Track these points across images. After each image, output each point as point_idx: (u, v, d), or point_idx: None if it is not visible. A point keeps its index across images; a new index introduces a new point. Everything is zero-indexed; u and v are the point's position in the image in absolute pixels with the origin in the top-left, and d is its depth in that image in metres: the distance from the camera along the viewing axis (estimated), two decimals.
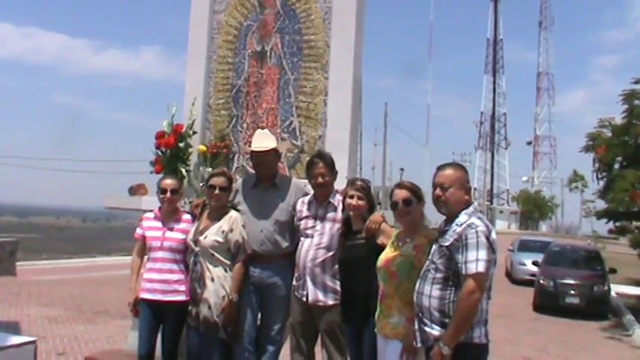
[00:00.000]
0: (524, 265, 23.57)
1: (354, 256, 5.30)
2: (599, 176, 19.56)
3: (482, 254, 4.17)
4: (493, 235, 4.30)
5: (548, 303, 17.67)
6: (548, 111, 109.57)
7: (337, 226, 5.59)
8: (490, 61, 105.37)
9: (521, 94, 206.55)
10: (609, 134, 18.65)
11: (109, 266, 20.45)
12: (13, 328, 9.49)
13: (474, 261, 4.16)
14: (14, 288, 14.93)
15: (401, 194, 4.84)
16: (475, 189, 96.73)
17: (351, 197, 5.35)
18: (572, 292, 17.55)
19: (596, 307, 17.46)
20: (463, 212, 4.38)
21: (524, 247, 26.31)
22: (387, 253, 4.86)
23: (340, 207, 5.60)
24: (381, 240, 5.16)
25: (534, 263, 20.75)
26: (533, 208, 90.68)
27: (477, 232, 4.22)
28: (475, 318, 4.24)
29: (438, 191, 4.45)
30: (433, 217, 5.11)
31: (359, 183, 5.45)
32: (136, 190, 7.44)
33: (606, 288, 18.03)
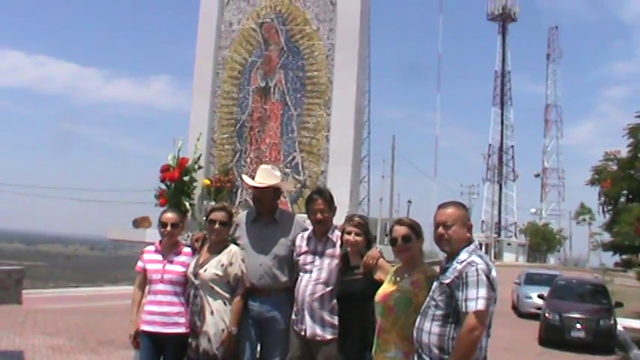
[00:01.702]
0: (530, 298, 23.45)
1: (352, 291, 5.36)
2: (605, 209, 19.58)
3: (483, 292, 4.22)
4: (493, 273, 4.36)
5: (554, 337, 17.56)
6: (557, 143, 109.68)
7: (335, 261, 5.66)
8: (498, 94, 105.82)
9: (529, 126, 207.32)
10: (615, 167, 18.69)
11: (116, 296, 20.43)
12: (17, 357, 9.53)
13: (475, 299, 4.21)
14: (20, 317, 14.96)
15: (400, 231, 4.93)
16: (483, 221, 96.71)
17: (349, 233, 5.43)
18: (578, 326, 17.43)
19: (603, 342, 17.31)
20: (464, 250, 4.44)
21: (531, 280, 26.18)
22: (385, 289, 4.92)
23: (339, 243, 5.67)
24: (378, 275, 5.22)
25: (540, 296, 20.67)
26: (541, 241, 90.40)
27: (477, 269, 4.28)
28: (474, 356, 4.28)
29: (440, 230, 4.52)
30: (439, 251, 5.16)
31: (356, 219, 5.53)
32: (140, 223, 7.55)
33: (612, 322, 17.91)
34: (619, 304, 19.26)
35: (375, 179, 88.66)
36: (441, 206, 4.62)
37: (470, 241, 4.51)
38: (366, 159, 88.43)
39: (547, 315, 18.01)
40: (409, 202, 67.32)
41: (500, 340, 16.66)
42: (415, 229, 4.96)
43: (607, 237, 21.93)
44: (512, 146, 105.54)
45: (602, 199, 19.26)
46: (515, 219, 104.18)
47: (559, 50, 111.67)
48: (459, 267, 4.35)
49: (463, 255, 4.41)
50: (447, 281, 4.37)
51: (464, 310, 4.23)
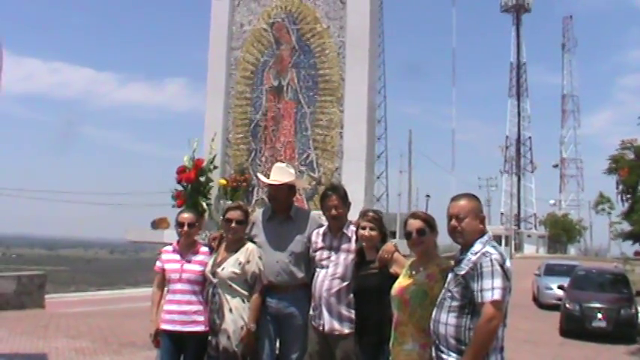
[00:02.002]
0: (551, 289, 23.39)
1: (368, 285, 5.42)
2: (624, 198, 19.50)
3: (498, 282, 4.26)
4: (507, 264, 4.40)
5: (575, 327, 17.52)
6: (574, 133, 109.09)
7: (351, 256, 5.72)
8: (514, 85, 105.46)
9: (546, 117, 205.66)
10: (632, 156, 18.60)
11: (137, 298, 20.56)
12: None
13: (490, 289, 4.25)
14: (43, 320, 15.13)
15: (415, 224, 4.97)
16: (502, 214, 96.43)
17: (364, 228, 5.49)
18: (599, 315, 17.39)
19: (624, 331, 17.26)
20: (478, 241, 4.48)
21: (551, 271, 26.12)
22: (401, 282, 4.97)
23: (354, 238, 5.73)
24: (394, 269, 5.27)
25: (560, 287, 20.63)
26: (561, 232, 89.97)
27: (491, 260, 4.32)
28: (492, 345, 4.33)
29: (453, 222, 4.56)
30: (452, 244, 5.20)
31: (371, 214, 5.59)
32: (158, 224, 7.65)
33: (634, 311, 17.84)
34: None
35: (392, 175, 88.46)
36: (454, 199, 4.67)
37: (483, 233, 4.55)
38: (384, 155, 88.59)
39: (567, 305, 17.98)
40: (428, 196, 67.01)
41: (521, 331, 16.68)
42: (429, 222, 5.01)
43: (626, 226, 21.79)
44: (530, 137, 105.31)
45: (620, 187, 19.19)
46: (534, 210, 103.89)
47: (574, 40, 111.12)
48: (474, 258, 4.39)
49: (477, 246, 4.45)
50: (462, 272, 4.41)
51: (480, 300, 4.27)
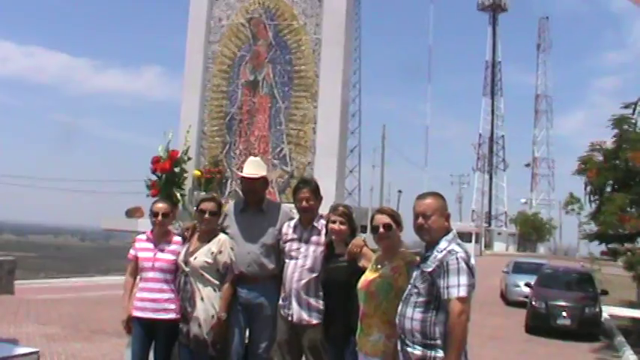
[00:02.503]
0: (518, 286, 23.70)
1: (336, 278, 5.58)
2: (592, 199, 19.79)
3: (464, 279, 4.41)
4: (472, 261, 4.55)
5: (540, 324, 17.79)
6: (547, 133, 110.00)
7: (321, 249, 5.88)
8: (488, 84, 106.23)
9: (519, 116, 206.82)
10: (601, 158, 18.89)
11: (107, 286, 20.56)
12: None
13: (456, 286, 4.39)
14: (12, 306, 15.11)
15: (382, 219, 5.12)
16: (473, 211, 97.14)
17: (334, 222, 5.64)
18: (564, 313, 17.68)
19: (588, 329, 17.59)
20: (443, 239, 4.61)
21: (519, 268, 26.42)
22: (367, 276, 5.12)
23: (324, 231, 5.88)
24: (362, 263, 5.42)
25: (527, 285, 20.94)
26: (531, 230, 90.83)
27: (457, 258, 4.46)
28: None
29: (420, 220, 4.69)
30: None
31: (341, 209, 5.74)
32: (132, 213, 7.74)
33: (597, 310, 18.17)
34: (604, 292, 19.57)
35: (365, 169, 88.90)
36: (420, 197, 4.79)
37: (448, 231, 4.69)
38: (357, 149, 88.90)
39: (533, 303, 18.25)
40: (399, 191, 67.64)
41: (488, 327, 16.95)
42: (395, 218, 5.17)
43: (594, 227, 22.11)
44: (503, 136, 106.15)
45: (588, 189, 19.47)
46: (505, 208, 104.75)
47: (549, 40, 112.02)
48: (440, 256, 4.51)
49: (443, 244, 4.58)
50: (429, 270, 4.53)
51: (446, 297, 4.41)
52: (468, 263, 4.49)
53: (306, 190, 5.98)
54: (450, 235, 4.63)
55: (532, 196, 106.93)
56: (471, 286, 4.47)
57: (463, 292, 4.38)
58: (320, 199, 6.07)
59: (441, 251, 4.54)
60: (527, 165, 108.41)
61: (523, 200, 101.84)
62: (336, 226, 5.64)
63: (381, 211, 5.26)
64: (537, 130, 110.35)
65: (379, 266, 5.10)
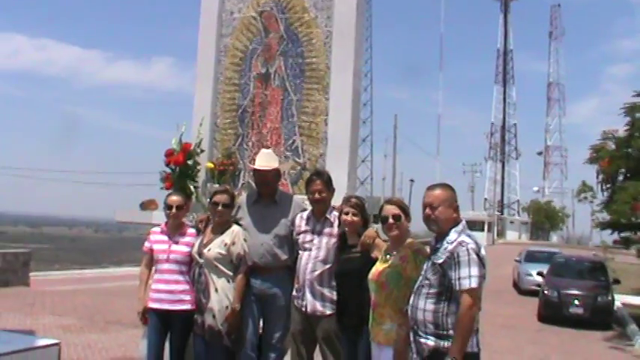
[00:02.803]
0: (531, 275, 23.74)
1: (349, 269, 5.63)
2: (604, 188, 19.77)
3: (475, 271, 4.47)
4: (482, 252, 4.60)
5: (553, 313, 17.88)
6: (559, 121, 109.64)
7: (333, 240, 5.94)
8: (500, 72, 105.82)
9: (531, 104, 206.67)
10: (613, 146, 18.84)
11: (121, 277, 20.72)
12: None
13: (467, 277, 4.45)
14: (28, 298, 15.29)
15: (391, 210, 5.20)
16: (486, 199, 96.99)
17: (346, 213, 5.70)
18: (576, 302, 17.74)
19: (600, 318, 17.64)
20: (453, 230, 4.67)
21: (531, 257, 26.46)
22: (377, 266, 5.21)
23: (336, 222, 5.94)
24: (375, 254, 5.48)
25: (539, 274, 20.97)
26: (544, 219, 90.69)
27: (467, 249, 4.52)
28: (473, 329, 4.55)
29: (427, 210, 4.75)
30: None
31: (353, 200, 5.80)
32: (146, 206, 7.82)
33: (610, 298, 18.22)
34: (617, 281, 19.62)
35: (378, 158, 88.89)
36: (429, 188, 4.85)
37: (457, 222, 4.73)
38: (369, 138, 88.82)
39: (546, 292, 18.33)
40: (411, 180, 67.45)
41: (500, 316, 17.03)
42: (404, 208, 5.24)
43: (606, 215, 22.07)
44: (515, 124, 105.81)
45: (600, 177, 19.45)
46: (518, 197, 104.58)
47: (561, 28, 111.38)
48: (450, 247, 4.57)
49: (452, 235, 4.63)
50: (440, 261, 4.59)
51: (458, 288, 4.47)
52: (478, 254, 4.54)
53: (319, 181, 6.04)
54: (460, 227, 4.68)
55: (545, 184, 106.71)
56: (482, 277, 4.52)
57: (474, 284, 4.44)
58: (332, 191, 6.12)
59: (451, 242, 4.59)
60: (540, 153, 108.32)
61: (535, 189, 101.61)
62: (348, 217, 5.70)
63: (389, 201, 5.33)
64: (550, 118, 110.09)
65: (388, 256, 5.18)
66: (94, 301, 15.49)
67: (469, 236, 4.64)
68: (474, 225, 68.25)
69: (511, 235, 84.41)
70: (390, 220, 5.15)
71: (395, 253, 5.15)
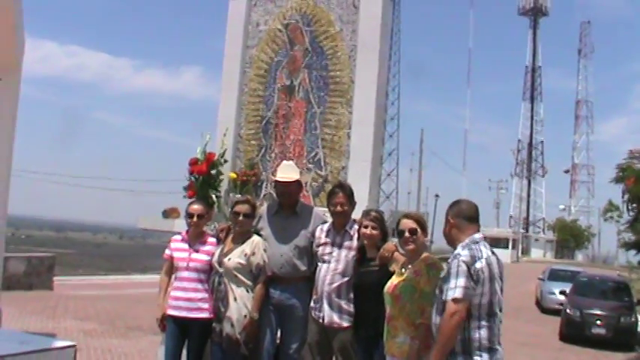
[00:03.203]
0: (554, 294, 23.56)
1: (367, 282, 5.66)
2: (629, 207, 19.60)
3: (461, 281, 4.51)
4: (478, 264, 4.58)
5: (575, 333, 17.69)
6: (587, 139, 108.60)
7: (353, 253, 5.97)
8: (528, 89, 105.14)
9: (559, 121, 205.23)
10: (639, 166, 18.68)
11: (144, 284, 20.80)
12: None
13: (453, 288, 4.52)
14: (51, 302, 15.41)
15: (408, 224, 5.23)
16: (511, 217, 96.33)
17: (366, 227, 5.74)
18: (599, 322, 17.55)
19: (623, 338, 17.43)
20: (459, 245, 4.73)
21: (555, 276, 26.23)
22: (393, 280, 5.24)
23: (356, 235, 5.97)
24: (393, 268, 5.49)
25: (562, 292, 20.79)
26: (570, 237, 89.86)
27: (458, 261, 4.58)
28: (473, 345, 4.56)
29: (444, 226, 4.89)
30: None
31: (373, 214, 5.83)
32: (169, 214, 7.91)
33: (634, 319, 17.99)
34: None
35: (404, 172, 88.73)
36: (451, 204, 4.95)
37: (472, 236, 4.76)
38: (395, 152, 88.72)
39: (568, 311, 18.15)
40: (437, 196, 67.22)
41: (521, 334, 16.88)
42: (421, 223, 5.27)
43: (632, 235, 21.87)
44: (542, 141, 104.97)
45: (626, 197, 19.28)
46: (543, 215, 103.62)
47: (591, 45, 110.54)
48: (450, 260, 4.68)
49: (457, 249, 4.71)
50: (442, 275, 4.73)
51: (444, 298, 4.56)
52: (469, 266, 4.56)
53: (342, 194, 6.08)
54: (466, 241, 4.72)
55: (571, 202, 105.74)
56: (469, 289, 4.53)
57: (457, 294, 4.49)
58: (354, 205, 6.16)
59: (453, 256, 4.67)
60: (567, 171, 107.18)
61: (562, 207, 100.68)
62: (367, 230, 5.73)
63: (407, 215, 5.36)
64: (577, 136, 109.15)
65: (404, 270, 5.20)
66: (115, 306, 15.58)
67: (468, 249, 4.65)
68: (499, 242, 67.85)
69: (536, 253, 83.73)
70: (407, 234, 5.18)
71: (410, 266, 5.18)
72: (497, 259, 4.74)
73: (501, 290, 4.70)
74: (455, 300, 4.50)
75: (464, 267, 4.55)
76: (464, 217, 4.85)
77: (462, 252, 4.65)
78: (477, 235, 4.80)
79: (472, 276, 4.57)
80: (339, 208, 6.06)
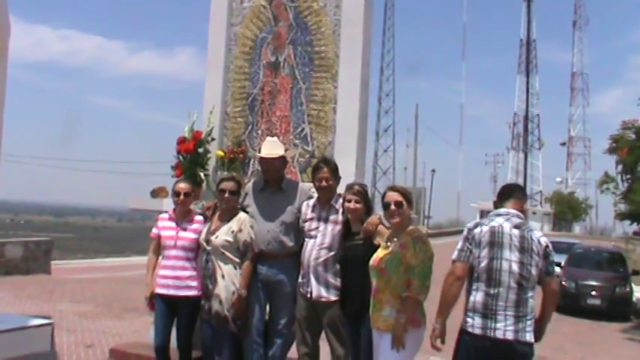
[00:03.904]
0: None
1: (352, 255, 5.67)
2: (623, 178, 19.63)
3: (459, 244, 4.96)
4: (477, 229, 4.95)
5: (570, 304, 17.74)
6: (583, 111, 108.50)
7: (338, 227, 5.98)
8: (523, 62, 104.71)
9: (555, 94, 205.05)
10: (633, 136, 18.69)
11: (142, 265, 20.51)
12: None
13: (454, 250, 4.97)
14: (48, 286, 15.44)
15: (393, 196, 5.24)
16: None
17: (349, 201, 5.74)
18: (594, 293, 17.69)
19: (618, 309, 17.56)
20: None
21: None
22: (378, 253, 5.24)
23: (341, 210, 5.98)
24: (378, 241, 5.50)
25: (557, 264, 20.83)
26: (567, 210, 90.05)
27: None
28: (467, 306, 4.92)
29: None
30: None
31: (356, 187, 5.83)
32: (157, 193, 7.91)
33: (628, 289, 18.12)
34: (636, 272, 19.46)
35: (400, 148, 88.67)
36: None
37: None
38: (391, 128, 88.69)
39: (563, 282, 18.20)
40: (433, 171, 67.21)
41: None
42: (407, 196, 5.28)
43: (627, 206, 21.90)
44: (538, 114, 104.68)
45: (620, 167, 19.31)
46: (540, 188, 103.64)
47: (585, 17, 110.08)
48: None
49: None
50: None
51: None
52: (470, 230, 4.98)
53: (326, 169, 6.09)
54: (478, 215, 5.03)
55: (568, 175, 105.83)
56: (463, 251, 4.93)
57: (453, 255, 4.95)
58: (339, 179, 6.17)
59: None
60: (563, 144, 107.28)
61: (558, 179, 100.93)
62: (351, 204, 5.73)
63: (393, 188, 5.37)
64: (573, 108, 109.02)
65: (389, 243, 5.21)
66: (113, 289, 15.62)
67: (481, 218, 5.16)
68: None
69: (533, 226, 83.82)
70: (392, 207, 5.19)
71: (395, 239, 5.18)
72: (521, 232, 5.04)
73: (521, 263, 4.89)
74: (452, 261, 4.94)
75: (465, 231, 5.00)
76: (497, 195, 5.27)
77: (470, 222, 5.13)
78: (503, 209, 5.11)
79: (468, 239, 4.93)
80: (323, 183, 6.08)
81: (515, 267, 4.83)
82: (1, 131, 6.76)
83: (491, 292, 4.79)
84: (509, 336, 4.74)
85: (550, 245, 5.10)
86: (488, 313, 4.78)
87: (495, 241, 4.87)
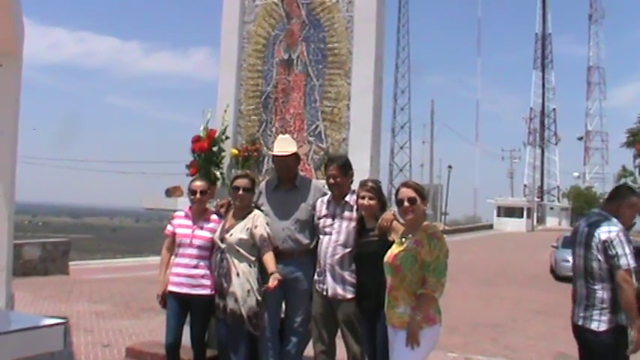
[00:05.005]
0: (567, 261, 23.39)
1: (367, 252, 5.65)
2: None
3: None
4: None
5: None
6: (600, 106, 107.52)
7: (353, 224, 5.96)
8: (539, 56, 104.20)
9: (571, 88, 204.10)
10: None
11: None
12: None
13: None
14: (66, 286, 15.52)
15: (407, 193, 5.17)
16: (525, 186, 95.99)
17: (363, 198, 5.72)
18: None
19: (637, 304, 17.36)
20: None
21: (568, 243, 26.03)
22: (393, 250, 5.19)
23: (355, 206, 5.96)
24: (392, 237, 5.47)
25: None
26: (585, 205, 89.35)
27: None
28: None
29: None
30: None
31: (369, 184, 5.81)
32: (172, 192, 7.91)
33: None
34: None
35: (417, 145, 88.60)
36: None
37: None
38: (407, 125, 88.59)
39: None
40: (449, 167, 67.17)
41: (536, 302, 16.89)
42: (420, 192, 5.21)
43: None
44: (554, 109, 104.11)
45: (637, 161, 19.21)
46: (557, 183, 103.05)
47: (602, 10, 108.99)
48: None
49: None
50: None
51: None
52: None
53: (333, 166, 6.07)
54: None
55: (585, 169, 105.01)
56: None
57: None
58: (350, 175, 6.14)
59: None
60: (580, 138, 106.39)
61: (576, 174, 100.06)
62: (365, 201, 5.71)
63: (406, 184, 5.31)
64: (590, 103, 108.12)
65: (403, 240, 5.16)
66: (130, 288, 15.66)
67: None
68: (513, 212, 67.75)
69: (551, 222, 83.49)
70: (406, 204, 5.14)
71: (410, 236, 5.14)
72: (590, 228, 5.55)
73: (585, 258, 5.57)
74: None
75: None
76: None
77: None
78: (597, 210, 5.84)
79: None
80: (331, 180, 6.07)
81: (581, 262, 5.53)
82: (17, 133, 6.78)
83: (576, 284, 5.67)
84: (579, 322, 5.54)
85: (611, 239, 5.34)
86: (575, 302, 5.67)
87: (574, 240, 5.68)
